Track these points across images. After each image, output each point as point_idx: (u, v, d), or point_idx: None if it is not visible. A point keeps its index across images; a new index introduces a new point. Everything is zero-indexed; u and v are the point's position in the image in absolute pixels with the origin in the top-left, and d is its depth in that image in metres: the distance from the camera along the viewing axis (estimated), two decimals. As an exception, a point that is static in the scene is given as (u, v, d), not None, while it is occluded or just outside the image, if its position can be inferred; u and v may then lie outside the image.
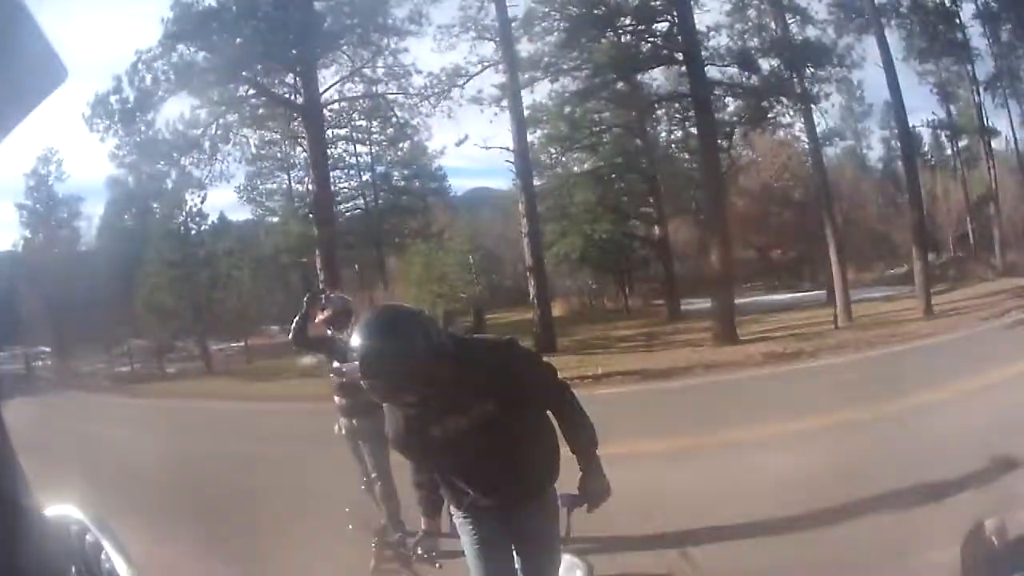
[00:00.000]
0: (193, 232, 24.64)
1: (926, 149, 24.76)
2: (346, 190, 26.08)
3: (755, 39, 22.47)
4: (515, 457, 3.62)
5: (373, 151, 26.08)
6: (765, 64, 22.59)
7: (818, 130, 22.42)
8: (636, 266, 24.48)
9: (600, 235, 22.64)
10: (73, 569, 2.72)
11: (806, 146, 23.15)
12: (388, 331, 3.24)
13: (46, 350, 28.91)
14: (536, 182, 22.68)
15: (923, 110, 22.80)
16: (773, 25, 22.33)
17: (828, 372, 14.30)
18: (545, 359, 3.95)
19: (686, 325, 21.64)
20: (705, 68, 21.60)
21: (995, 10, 21.92)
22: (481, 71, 23.10)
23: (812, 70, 22.16)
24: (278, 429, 15.61)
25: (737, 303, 20.50)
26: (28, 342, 28.80)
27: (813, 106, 22.09)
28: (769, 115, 23.09)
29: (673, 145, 24.00)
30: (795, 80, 21.99)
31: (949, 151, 24.80)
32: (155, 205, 25.65)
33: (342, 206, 25.60)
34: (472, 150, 24.55)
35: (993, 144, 23.25)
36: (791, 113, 23.13)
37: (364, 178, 26.47)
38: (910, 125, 22.31)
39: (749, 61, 22.24)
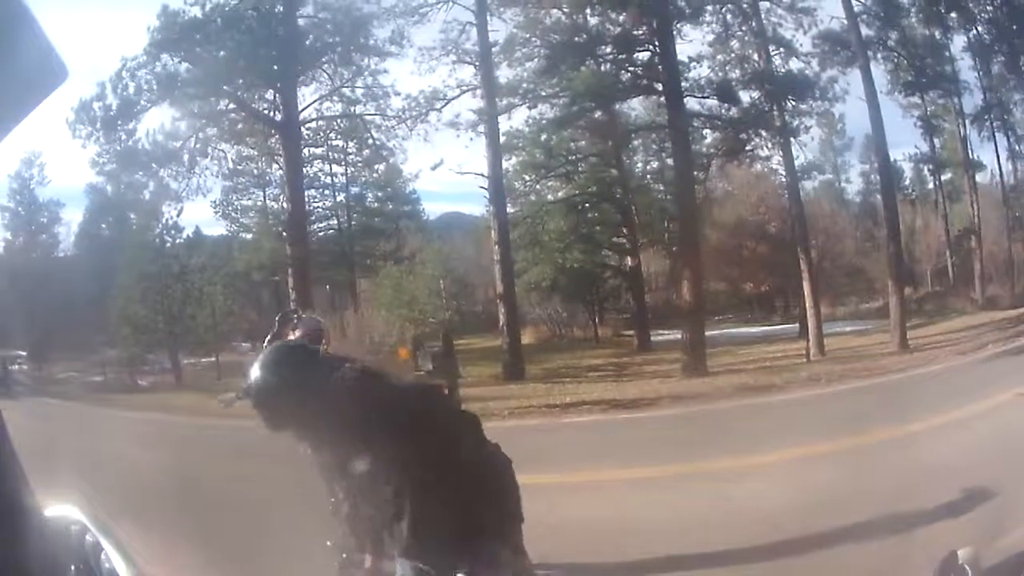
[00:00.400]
0: (168, 245, 24.73)
1: (907, 183, 25.12)
2: (320, 209, 26.38)
3: (737, 71, 22.66)
4: (420, 510, 3.51)
5: (348, 172, 26.44)
6: (746, 96, 22.69)
7: (796, 163, 22.65)
8: (607, 296, 24.66)
9: (572, 264, 22.91)
10: (73, 568, 2.81)
11: (783, 179, 23.24)
12: (273, 366, 3.34)
13: (22, 354, 28.96)
14: (509, 209, 22.92)
15: (904, 144, 23.02)
16: (756, 57, 22.49)
17: (798, 405, 14.53)
18: (473, 417, 3.95)
19: (656, 356, 21.77)
20: (684, 99, 21.96)
21: (987, 42, 22.32)
22: (459, 95, 23.20)
23: (793, 103, 22.34)
24: (244, 446, 15.28)
25: (708, 335, 20.66)
26: (5, 345, 28.86)
27: (792, 139, 22.39)
28: (747, 148, 23.08)
29: (648, 176, 23.91)
30: (775, 113, 22.16)
31: (931, 185, 24.75)
32: (132, 215, 25.80)
33: (316, 226, 25.87)
34: (447, 175, 24.87)
35: (977, 178, 23.81)
36: (769, 146, 23.16)
37: (338, 198, 26.82)
38: (891, 158, 22.68)
39: (729, 93, 22.33)
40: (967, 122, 23.28)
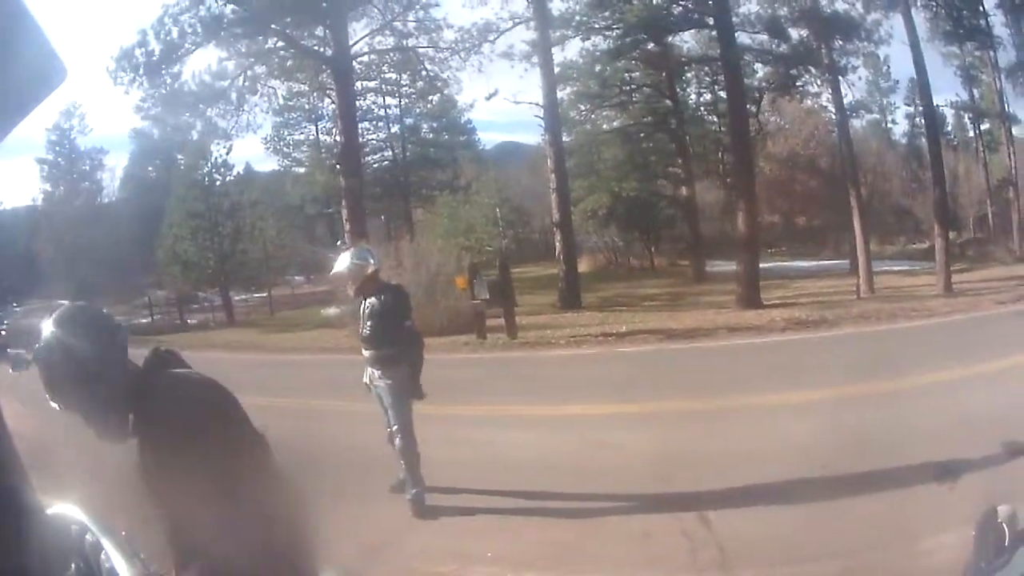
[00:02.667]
0: (218, 183, 24.80)
1: (949, 129, 25.14)
2: (374, 141, 26.87)
3: (785, 8, 22.83)
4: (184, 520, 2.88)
5: (402, 104, 26.62)
6: (794, 33, 22.86)
7: (844, 102, 22.84)
8: (663, 225, 24.84)
9: (628, 193, 23.27)
10: (73, 567, 2.80)
11: (833, 116, 23.59)
12: (63, 327, 3.02)
13: (63, 303, 28.85)
14: (565, 138, 23.26)
15: (947, 91, 23.26)
16: None
17: (849, 342, 14.24)
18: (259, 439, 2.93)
19: (710, 286, 22.39)
20: (735, 34, 22.03)
21: (1018, 1, 22.46)
22: (512, 27, 23.40)
23: (840, 42, 22.56)
24: (298, 380, 15.81)
25: (761, 267, 20.86)
26: (47, 295, 29.01)
27: (840, 77, 22.54)
28: (797, 83, 23.32)
29: (702, 108, 24.17)
30: (823, 51, 22.45)
31: (972, 133, 24.96)
32: (180, 156, 26.08)
33: (370, 157, 25.99)
34: (502, 105, 25.24)
35: (1014, 131, 23.81)
36: (819, 83, 23.48)
37: (392, 130, 27.15)
38: (934, 104, 22.63)
39: (778, 29, 22.58)
40: (1002, 76, 23.37)
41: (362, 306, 7.13)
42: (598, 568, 5.37)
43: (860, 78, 23.53)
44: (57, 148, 27.70)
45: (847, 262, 22.23)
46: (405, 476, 7.04)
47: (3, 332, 25.26)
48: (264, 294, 26.38)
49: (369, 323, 6.96)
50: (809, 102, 24.82)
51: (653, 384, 11.29)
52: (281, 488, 3.27)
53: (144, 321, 27.06)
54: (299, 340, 21.63)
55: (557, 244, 21.90)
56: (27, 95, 2.15)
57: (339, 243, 19.03)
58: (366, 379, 7.17)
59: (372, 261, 7.14)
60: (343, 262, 7.09)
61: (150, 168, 28.40)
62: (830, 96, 23.29)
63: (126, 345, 2.87)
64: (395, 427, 6.94)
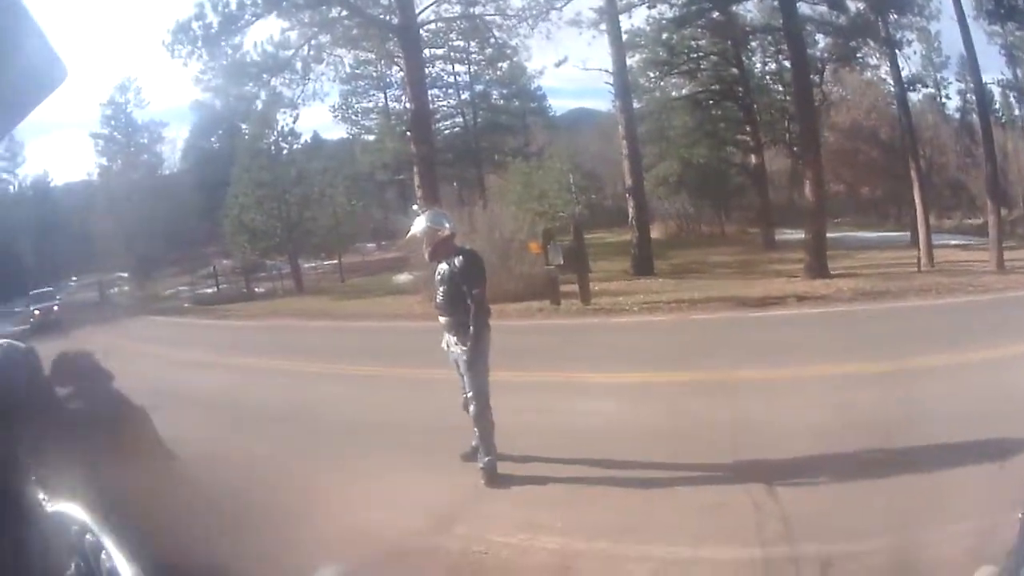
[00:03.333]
0: (285, 152, 24.96)
1: (997, 107, 25.21)
2: (444, 108, 27.18)
3: None
4: None
5: (471, 70, 26.91)
6: (852, 6, 23.44)
7: (902, 75, 23.39)
8: (733, 193, 25.01)
9: (698, 160, 23.56)
10: (72, 567, 2.85)
11: (891, 88, 24.14)
12: None
13: (123, 275, 29.18)
14: (635, 105, 23.76)
15: (994, 69, 23.54)
16: None
17: (912, 314, 14.61)
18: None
19: (779, 255, 23.14)
20: (797, 4, 22.55)
21: None
22: None
23: (895, 16, 23.07)
24: (371, 347, 16.26)
25: (828, 237, 21.46)
26: (104, 269, 29.11)
27: (897, 51, 23.15)
28: (857, 55, 23.81)
29: (768, 77, 24.70)
30: (880, 24, 23.03)
31: (1017, 111, 25.10)
32: (244, 127, 26.34)
33: (440, 124, 26.13)
34: (571, 71, 25.56)
35: None
36: (877, 56, 24.16)
37: (463, 97, 27.66)
38: (983, 81, 22.92)
39: (837, 1, 23.07)
40: (1042, 57, 23.01)
41: (436, 271, 7.23)
42: (668, 539, 5.48)
43: (915, 52, 23.93)
44: (113, 122, 27.92)
45: (907, 234, 22.66)
46: (478, 444, 7.15)
47: (56, 307, 25.30)
48: (334, 261, 26.31)
49: (443, 288, 7.10)
50: (869, 74, 25.01)
51: (725, 352, 11.54)
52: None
53: (210, 291, 27.09)
54: (371, 306, 22.35)
55: (630, 210, 22.33)
56: (28, 95, 2.33)
57: (413, 207, 19.10)
58: (444, 344, 7.31)
59: (447, 225, 7.25)
60: (419, 225, 7.19)
61: (213, 139, 28.92)
62: (888, 69, 23.77)
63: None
64: (470, 394, 7.06)
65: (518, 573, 5.42)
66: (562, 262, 18.21)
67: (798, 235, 22.24)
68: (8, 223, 27.68)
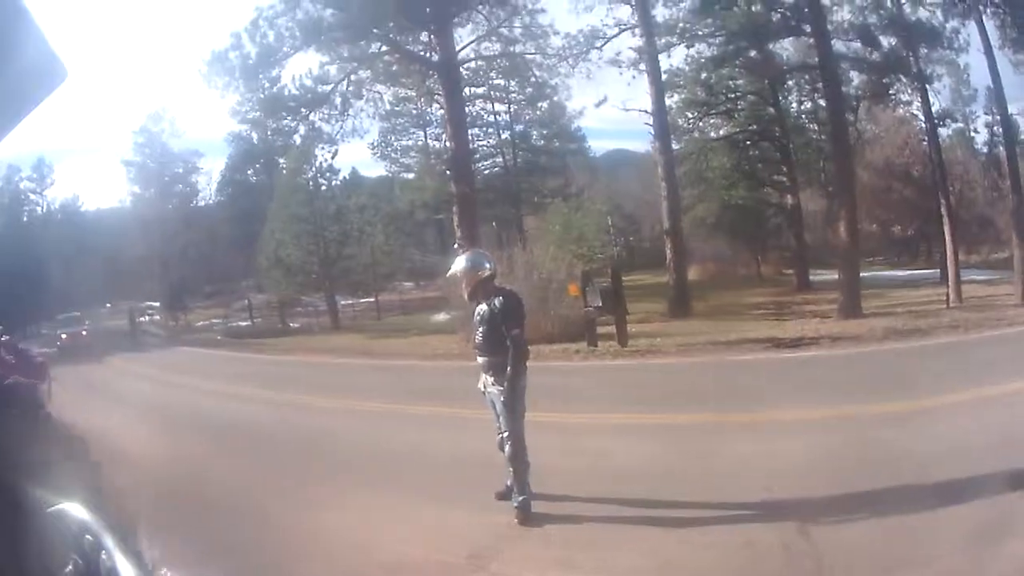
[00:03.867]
0: (323, 187, 25.24)
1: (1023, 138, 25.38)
2: (484, 148, 27.34)
3: (874, 16, 24.00)
4: None
5: (512, 110, 27.49)
6: (885, 42, 24.05)
7: (933, 110, 23.84)
8: (769, 234, 25.19)
9: (736, 201, 23.82)
10: (71, 566, 2.86)
11: (923, 125, 24.56)
12: None
13: (154, 305, 29.40)
14: (674, 146, 23.52)
15: (1022, 99, 23.64)
16: (890, 3, 23.80)
17: (941, 351, 14.50)
18: None
19: (814, 296, 23.80)
20: (831, 42, 23.13)
21: None
22: (618, 34, 24.60)
23: (925, 50, 23.64)
24: (407, 386, 16.13)
25: (861, 276, 21.97)
26: (135, 297, 29.31)
27: (928, 86, 23.63)
28: (890, 91, 24.11)
29: (803, 116, 25.27)
30: (911, 59, 23.59)
31: None
32: (282, 160, 26.31)
33: (480, 164, 26.29)
34: (611, 112, 26.17)
35: None
36: (909, 91, 24.67)
37: (503, 136, 27.79)
38: (1009, 112, 23.28)
39: (870, 36, 23.99)
40: (1067, 86, 23.72)
41: (476, 311, 7.32)
42: None
43: (944, 86, 24.40)
44: (146, 150, 28.23)
45: (937, 271, 22.61)
46: (512, 483, 7.27)
47: (84, 332, 25.48)
48: (370, 299, 26.45)
49: (482, 328, 7.18)
50: (901, 110, 25.21)
51: (760, 394, 11.68)
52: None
53: (244, 324, 27.15)
54: (407, 345, 22.34)
55: (667, 252, 22.44)
56: (27, 95, 2.27)
57: (455, 246, 19.19)
58: (480, 385, 7.38)
59: (488, 265, 7.32)
60: (459, 265, 7.29)
61: (250, 172, 28.91)
62: (919, 105, 24.25)
63: None
64: (506, 434, 7.18)
65: None
66: (600, 304, 18.37)
67: (832, 275, 22.77)
68: (36, 245, 27.93)
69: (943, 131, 25.03)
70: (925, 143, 24.42)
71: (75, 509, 3.27)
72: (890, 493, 6.45)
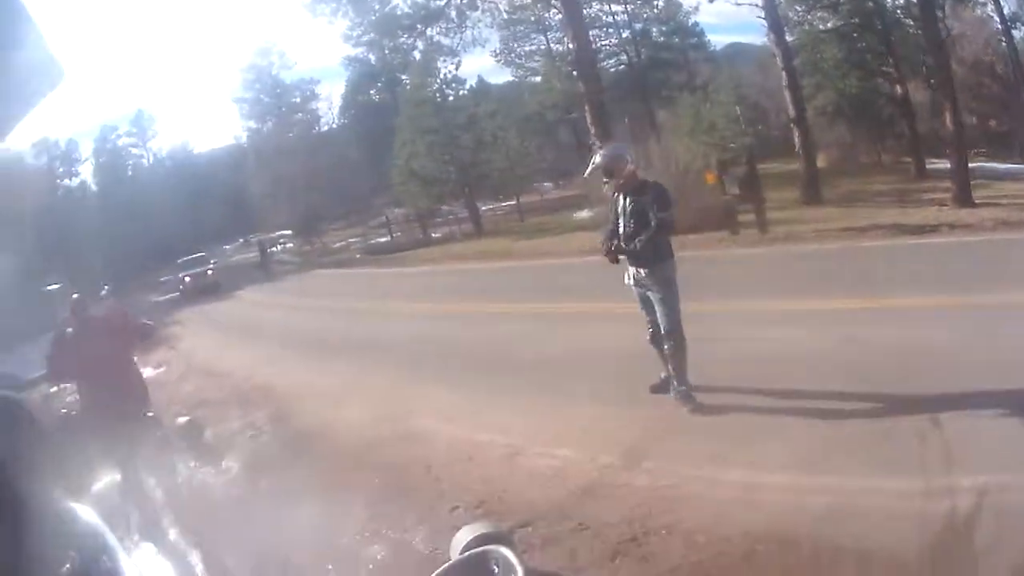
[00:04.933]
0: (450, 98, 25.47)
1: None
2: (607, 47, 27.45)
3: None
4: None
5: (628, 9, 27.38)
6: None
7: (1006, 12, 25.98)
8: (885, 123, 25.91)
9: (850, 91, 24.25)
10: (68, 565, 2.90)
11: (998, 26, 26.31)
12: None
13: (286, 233, 29.87)
14: (788, 38, 23.91)
15: None
16: None
17: None
18: None
19: (932, 183, 24.75)
20: None
21: None
22: None
23: None
24: (555, 284, 17.15)
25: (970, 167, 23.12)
26: (264, 229, 29.73)
27: None
28: None
29: (898, 10, 25.57)
30: None
31: None
32: (404, 77, 26.48)
33: (605, 63, 26.74)
34: (724, 7, 26.47)
35: None
36: None
37: (623, 35, 27.77)
38: None
39: None
40: None
41: (620, 204, 7.41)
42: (842, 470, 5.66)
43: None
44: (257, 85, 28.38)
45: None
46: (671, 374, 7.49)
47: (210, 272, 25.88)
48: (511, 202, 26.83)
49: (629, 220, 7.25)
50: (979, 11, 26.13)
51: (889, 278, 11.75)
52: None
53: (384, 240, 27.64)
54: (552, 244, 22.58)
55: (796, 140, 22.80)
56: (26, 96, 2.36)
57: (592, 143, 19.71)
58: (628, 279, 7.50)
59: (629, 157, 7.41)
60: (603, 158, 7.36)
61: (372, 92, 29.24)
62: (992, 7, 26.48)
63: None
64: (665, 324, 7.30)
65: (706, 506, 5.61)
66: (738, 192, 18.88)
67: (945, 164, 24.10)
68: (144, 196, 28.23)
69: (1016, 33, 26.17)
70: (1003, 43, 25.44)
71: (84, 511, 3.47)
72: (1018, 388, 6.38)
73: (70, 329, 7.51)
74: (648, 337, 7.62)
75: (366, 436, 8.74)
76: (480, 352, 11.40)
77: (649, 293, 7.35)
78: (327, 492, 7.26)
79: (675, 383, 7.39)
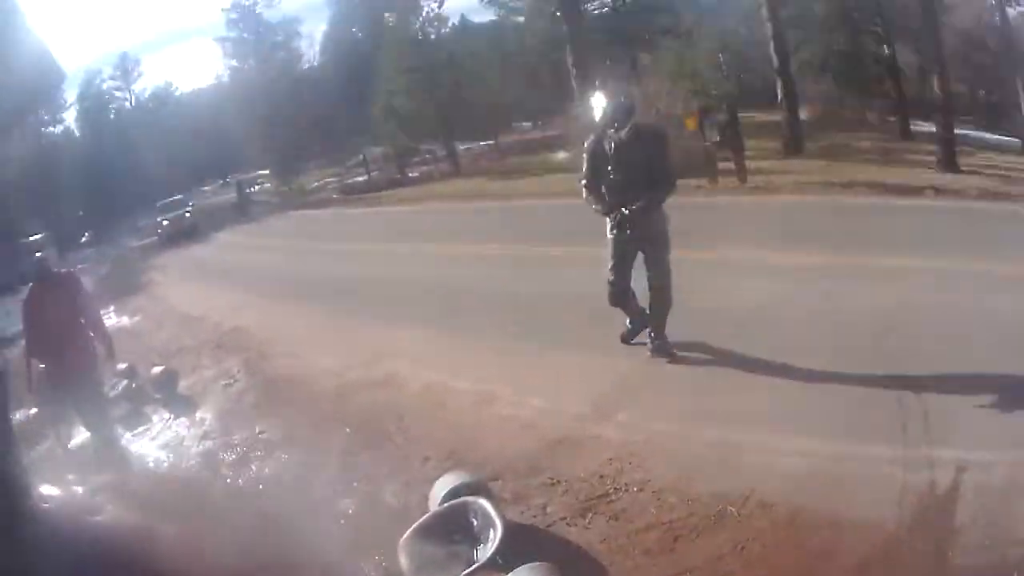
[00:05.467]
0: (432, 37, 25.18)
1: None
2: None
3: None
4: None
5: None
6: None
7: None
8: (872, 81, 25.64)
9: (837, 46, 23.98)
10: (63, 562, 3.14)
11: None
12: None
13: (263, 173, 29.60)
14: None
15: None
16: None
17: None
18: None
19: (916, 145, 23.61)
20: None
21: None
22: None
23: None
24: (531, 226, 17.00)
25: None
26: (243, 169, 29.50)
27: None
28: None
29: None
30: None
31: None
32: (387, 15, 26.00)
33: (589, 4, 26.11)
34: (713, -48, 25.97)
35: None
36: None
37: None
38: None
39: None
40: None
41: (609, 149, 7.08)
42: (821, 432, 5.62)
43: None
44: (240, 25, 28.01)
45: (1019, 141, 23.25)
46: (633, 324, 7.48)
47: (188, 214, 25.73)
48: (490, 142, 26.62)
49: (621, 165, 6.96)
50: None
51: (872, 237, 11.71)
52: None
53: (361, 179, 27.42)
54: (527, 186, 22.98)
55: (778, 91, 22.50)
56: (25, 98, 2.55)
57: (578, 88, 19.58)
58: (612, 232, 7.18)
59: (636, 106, 7.24)
60: (613, 107, 7.00)
61: (354, 29, 28.63)
62: None
63: None
64: (656, 279, 7.11)
65: (678, 464, 5.62)
66: (718, 138, 18.77)
67: (930, 128, 23.04)
68: (126, 138, 27.88)
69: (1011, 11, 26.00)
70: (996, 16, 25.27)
71: (78, 505, 3.40)
72: (1007, 361, 6.17)
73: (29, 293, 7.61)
74: (609, 299, 7.39)
75: (339, 383, 8.64)
76: (455, 295, 11.26)
77: (641, 247, 7.14)
78: (300, 444, 7.18)
79: (652, 335, 7.26)
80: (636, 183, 6.86)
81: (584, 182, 7.25)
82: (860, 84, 27.44)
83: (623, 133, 6.92)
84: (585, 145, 7.28)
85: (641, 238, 7.04)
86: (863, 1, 26.30)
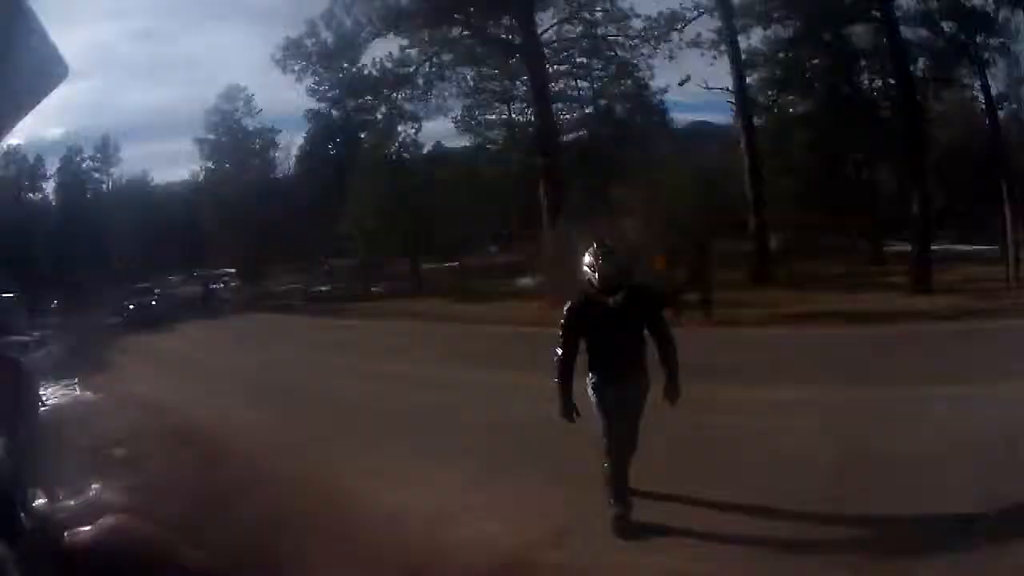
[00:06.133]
0: (407, 160, 26.13)
1: None
2: (568, 120, 27.83)
3: (935, 2, 25.55)
4: None
5: (594, 86, 28.09)
6: (947, 27, 25.62)
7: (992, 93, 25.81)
8: (847, 207, 26.40)
9: (816, 176, 24.80)
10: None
11: (983, 108, 26.07)
12: None
13: (229, 271, 30.69)
14: (756, 121, 27.08)
15: None
16: None
17: (1004, 334, 14.62)
18: None
19: (888, 268, 24.90)
20: (899, 27, 25.17)
21: None
22: (697, 16, 26.55)
23: (983, 37, 25.15)
24: (491, 351, 17.39)
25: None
26: (209, 266, 30.64)
27: (987, 71, 25.37)
28: (952, 76, 26.74)
29: (875, 93, 28.07)
30: (971, 45, 25.22)
31: None
32: (363, 135, 27.25)
33: (565, 137, 27.14)
34: (693, 87, 26.89)
35: None
36: (971, 75, 26.23)
37: (587, 111, 28.55)
38: None
39: (932, 22, 25.51)
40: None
41: (608, 313, 6.68)
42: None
43: (1001, 71, 26.10)
44: (219, 128, 29.13)
45: (996, 248, 24.01)
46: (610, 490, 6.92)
47: (154, 302, 26.77)
48: (455, 263, 27.56)
49: (614, 327, 6.62)
50: (965, 93, 27.16)
51: (836, 369, 11.98)
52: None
53: (324, 288, 28.28)
54: (489, 311, 23.27)
55: (750, 222, 23.35)
56: (29, 93, 2.43)
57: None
58: (593, 391, 6.76)
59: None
60: (618, 263, 6.71)
61: (329, 146, 29.79)
62: (979, 88, 25.99)
63: None
64: (632, 440, 6.85)
65: None
66: (687, 279, 19.45)
67: (905, 247, 24.58)
68: (104, 220, 29.04)
69: (1001, 114, 26.89)
70: (986, 124, 26.00)
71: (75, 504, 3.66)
72: (943, 476, 6.68)
73: None
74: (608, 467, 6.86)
75: (290, 492, 8.43)
76: (409, 416, 11.20)
77: (626, 408, 6.73)
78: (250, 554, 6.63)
79: (610, 500, 6.76)
80: (635, 346, 6.66)
81: (560, 361, 6.78)
82: (835, 211, 28.19)
83: (620, 296, 6.61)
84: (566, 312, 6.77)
85: (631, 400, 6.70)
86: (844, 130, 27.35)
